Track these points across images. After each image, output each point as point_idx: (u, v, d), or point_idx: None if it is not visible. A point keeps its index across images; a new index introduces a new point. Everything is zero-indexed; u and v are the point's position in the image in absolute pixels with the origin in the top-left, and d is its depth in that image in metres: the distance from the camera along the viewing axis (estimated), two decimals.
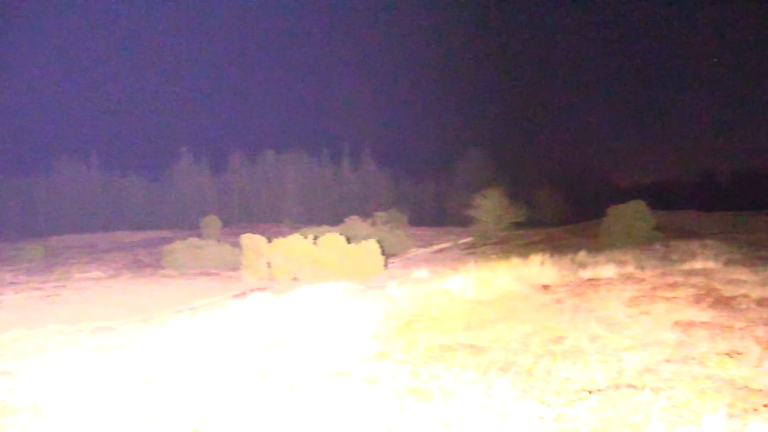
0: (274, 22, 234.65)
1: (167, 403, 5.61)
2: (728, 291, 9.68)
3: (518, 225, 48.36)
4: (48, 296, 20.59)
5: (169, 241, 34.82)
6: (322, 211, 77.51)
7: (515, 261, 16.76)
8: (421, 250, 38.23)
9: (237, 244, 28.07)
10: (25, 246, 40.17)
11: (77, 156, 79.94)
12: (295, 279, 22.30)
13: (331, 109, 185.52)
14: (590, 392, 4.91)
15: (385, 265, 23.81)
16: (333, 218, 58.00)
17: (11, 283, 25.26)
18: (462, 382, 5.29)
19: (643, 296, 9.69)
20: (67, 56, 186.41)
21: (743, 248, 19.95)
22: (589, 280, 12.63)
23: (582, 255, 19.23)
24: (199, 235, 38.06)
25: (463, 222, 53.82)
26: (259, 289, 19.00)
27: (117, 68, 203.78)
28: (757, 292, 9.38)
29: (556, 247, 25.44)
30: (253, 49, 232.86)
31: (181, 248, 30.72)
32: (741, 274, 11.49)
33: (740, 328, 7.00)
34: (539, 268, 14.29)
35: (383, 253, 23.59)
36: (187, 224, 69.49)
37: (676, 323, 7.50)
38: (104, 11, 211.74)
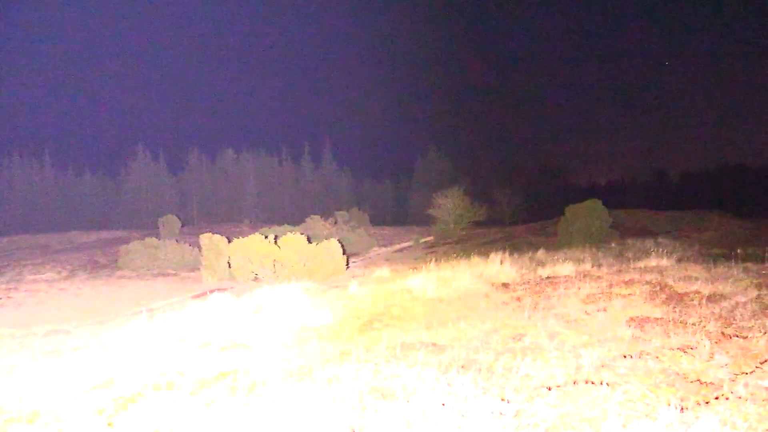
0: (233, 19, 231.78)
1: (125, 407, 5.47)
2: (681, 288, 9.97)
3: (478, 224, 48.99)
4: None
5: (126, 241, 34.08)
6: (282, 211, 77.00)
7: (475, 260, 16.93)
8: (383, 249, 38.32)
9: (196, 244, 27.65)
10: None
11: (29, 154, 77.31)
12: (256, 279, 22.06)
13: (291, 107, 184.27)
14: (549, 388, 4.98)
15: (347, 265, 23.78)
16: (294, 218, 57.70)
17: None
18: (424, 381, 5.30)
19: (599, 293, 9.89)
20: (19, 52, 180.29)
21: (695, 246, 20.60)
22: (548, 278, 12.85)
23: (541, 253, 19.55)
24: (157, 235, 37.32)
25: (423, 221, 54.26)
26: (219, 289, 18.73)
27: (70, 64, 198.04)
28: (708, 289, 9.69)
29: (515, 246, 25.81)
30: (211, 47, 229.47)
31: (139, 248, 30.08)
32: (693, 271, 11.86)
33: (693, 324, 7.21)
34: (499, 267, 14.46)
35: (345, 252, 23.55)
36: (145, 224, 68.12)
37: (632, 319, 7.68)
38: (60, 7, 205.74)
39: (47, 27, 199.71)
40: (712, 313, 7.92)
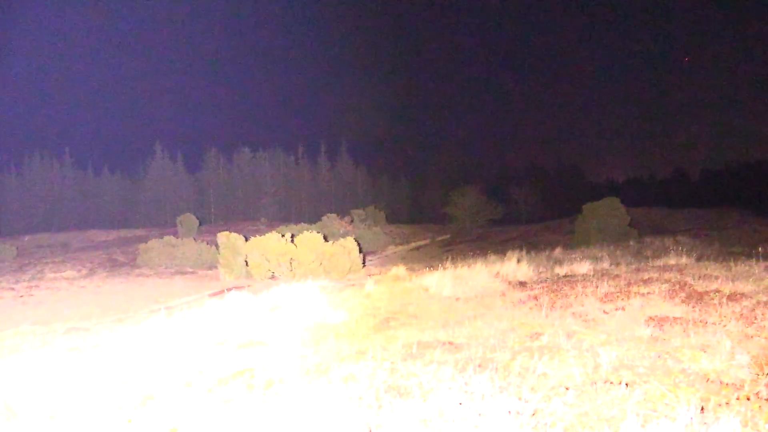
0: (250, 20, 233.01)
1: (144, 404, 5.53)
2: (701, 286, 9.85)
3: (495, 222, 48.86)
4: (20, 296, 20.17)
5: (145, 239, 34.40)
6: (299, 209, 77.28)
7: (492, 258, 16.89)
8: (399, 248, 38.29)
9: (214, 243, 27.86)
10: None
11: (50, 153, 78.32)
12: (272, 277, 22.17)
13: (307, 106, 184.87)
14: (567, 388, 4.94)
15: (363, 263, 23.80)
16: (310, 216, 57.88)
17: None
18: (440, 379, 5.29)
19: (618, 292, 9.80)
20: (40, 52, 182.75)
21: (714, 244, 20.34)
22: (565, 276, 12.77)
23: (558, 252, 19.44)
24: (175, 234, 37.66)
25: (440, 219, 54.16)
26: (236, 287, 18.85)
27: (90, 64, 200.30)
28: (728, 287, 9.56)
29: (532, 244, 25.71)
30: (228, 46, 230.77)
31: (157, 247, 30.36)
32: (713, 269, 11.71)
33: (713, 323, 7.12)
34: (516, 265, 14.40)
35: (361, 250, 23.58)
36: (163, 223, 68.81)
37: (651, 318, 7.60)
38: (77, 6, 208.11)
39: (68, 28, 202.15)
40: (733, 312, 7.81)
